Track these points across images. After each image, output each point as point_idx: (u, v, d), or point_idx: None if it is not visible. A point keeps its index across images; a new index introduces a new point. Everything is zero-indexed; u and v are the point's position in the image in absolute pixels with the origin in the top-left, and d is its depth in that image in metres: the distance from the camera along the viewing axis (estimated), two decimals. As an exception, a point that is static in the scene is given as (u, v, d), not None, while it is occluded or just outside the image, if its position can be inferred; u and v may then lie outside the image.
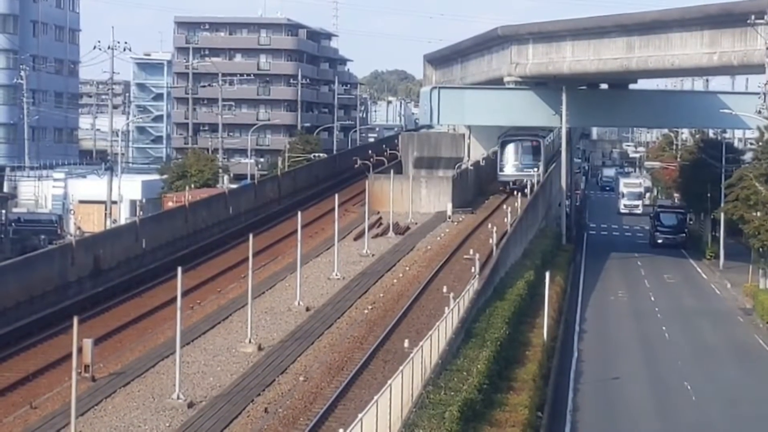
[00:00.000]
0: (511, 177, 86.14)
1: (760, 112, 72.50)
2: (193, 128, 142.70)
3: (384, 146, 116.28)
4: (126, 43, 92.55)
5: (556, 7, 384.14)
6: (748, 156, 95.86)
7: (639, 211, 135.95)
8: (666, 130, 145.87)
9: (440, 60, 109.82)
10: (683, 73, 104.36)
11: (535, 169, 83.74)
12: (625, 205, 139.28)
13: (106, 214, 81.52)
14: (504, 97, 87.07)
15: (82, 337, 35.33)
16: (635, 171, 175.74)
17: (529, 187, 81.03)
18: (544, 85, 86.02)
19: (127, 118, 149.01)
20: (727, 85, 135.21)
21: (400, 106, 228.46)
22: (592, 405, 45.91)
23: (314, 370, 39.06)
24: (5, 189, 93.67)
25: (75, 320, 29.50)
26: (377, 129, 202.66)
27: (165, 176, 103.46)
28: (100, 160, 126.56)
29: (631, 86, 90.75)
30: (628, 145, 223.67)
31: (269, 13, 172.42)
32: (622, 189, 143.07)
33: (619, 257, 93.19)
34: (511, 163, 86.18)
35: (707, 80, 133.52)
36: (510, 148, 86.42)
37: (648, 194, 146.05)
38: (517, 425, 34.87)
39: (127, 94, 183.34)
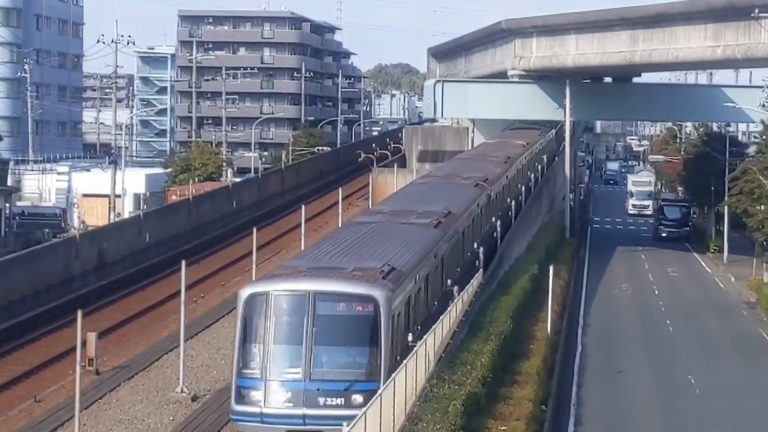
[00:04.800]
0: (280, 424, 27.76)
1: (763, 105, 72.54)
2: (196, 122, 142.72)
3: (388, 140, 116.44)
4: (129, 36, 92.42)
5: (559, 0, 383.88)
6: (751, 149, 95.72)
7: (649, 212, 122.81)
8: (670, 124, 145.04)
9: (444, 53, 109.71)
10: (687, 67, 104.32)
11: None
12: (633, 206, 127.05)
13: (109, 207, 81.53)
14: (508, 91, 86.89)
15: (86, 330, 35.39)
16: (639, 164, 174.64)
17: None
18: (547, 78, 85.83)
19: (131, 112, 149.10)
20: (731, 79, 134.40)
21: (404, 99, 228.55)
22: (596, 398, 45.86)
23: (318, 364, 39.00)
24: (9, 182, 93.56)
25: (79, 314, 29.51)
26: (381, 122, 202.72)
27: (169, 170, 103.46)
28: (103, 154, 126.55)
29: (635, 80, 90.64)
30: (632, 139, 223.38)
31: (273, 6, 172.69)
32: (631, 188, 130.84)
33: (623, 251, 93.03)
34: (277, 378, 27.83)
35: (711, 74, 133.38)
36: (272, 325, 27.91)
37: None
38: (522, 419, 34.81)
39: (130, 88, 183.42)
